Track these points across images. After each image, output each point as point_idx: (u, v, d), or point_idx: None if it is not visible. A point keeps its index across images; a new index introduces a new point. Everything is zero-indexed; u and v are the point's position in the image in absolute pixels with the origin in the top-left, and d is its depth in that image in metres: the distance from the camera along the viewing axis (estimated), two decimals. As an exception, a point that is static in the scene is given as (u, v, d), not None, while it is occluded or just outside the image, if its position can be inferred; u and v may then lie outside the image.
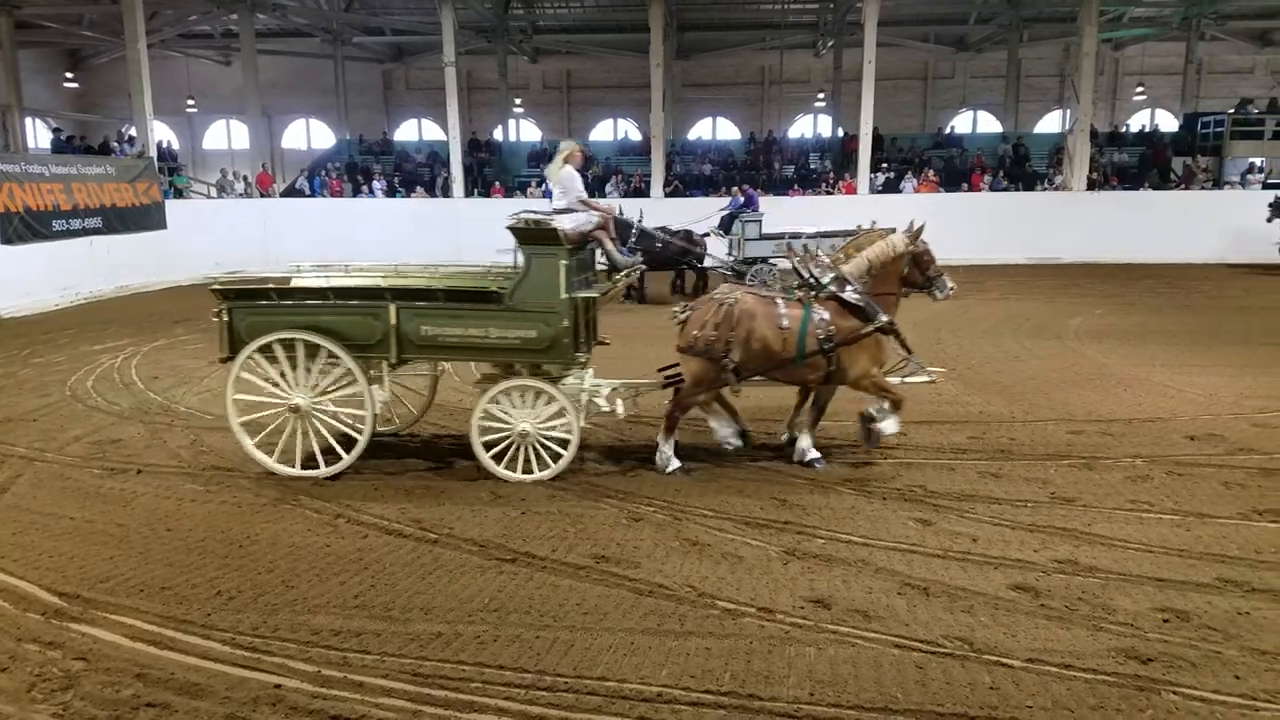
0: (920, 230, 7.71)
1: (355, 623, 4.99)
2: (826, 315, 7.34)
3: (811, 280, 7.60)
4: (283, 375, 7.41)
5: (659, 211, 20.64)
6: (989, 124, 36.20)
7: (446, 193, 26.30)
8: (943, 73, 36.82)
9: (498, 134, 33.98)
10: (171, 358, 12.68)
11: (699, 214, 19.71)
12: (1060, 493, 6.96)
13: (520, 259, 7.44)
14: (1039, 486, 7.12)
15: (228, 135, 38.46)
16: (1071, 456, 7.86)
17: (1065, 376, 10.96)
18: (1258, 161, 27.08)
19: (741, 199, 21.15)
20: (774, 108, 36.80)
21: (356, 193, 27.18)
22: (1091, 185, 25.27)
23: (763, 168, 28.92)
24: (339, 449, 7.39)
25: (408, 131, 38.21)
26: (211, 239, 23.53)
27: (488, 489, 7.15)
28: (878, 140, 27.00)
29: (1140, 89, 33.70)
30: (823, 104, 35.06)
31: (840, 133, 31.15)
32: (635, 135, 35.73)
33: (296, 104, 37.28)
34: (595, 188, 26.67)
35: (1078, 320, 14.92)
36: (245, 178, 27.51)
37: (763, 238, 18.64)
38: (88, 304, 18.93)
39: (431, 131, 37.30)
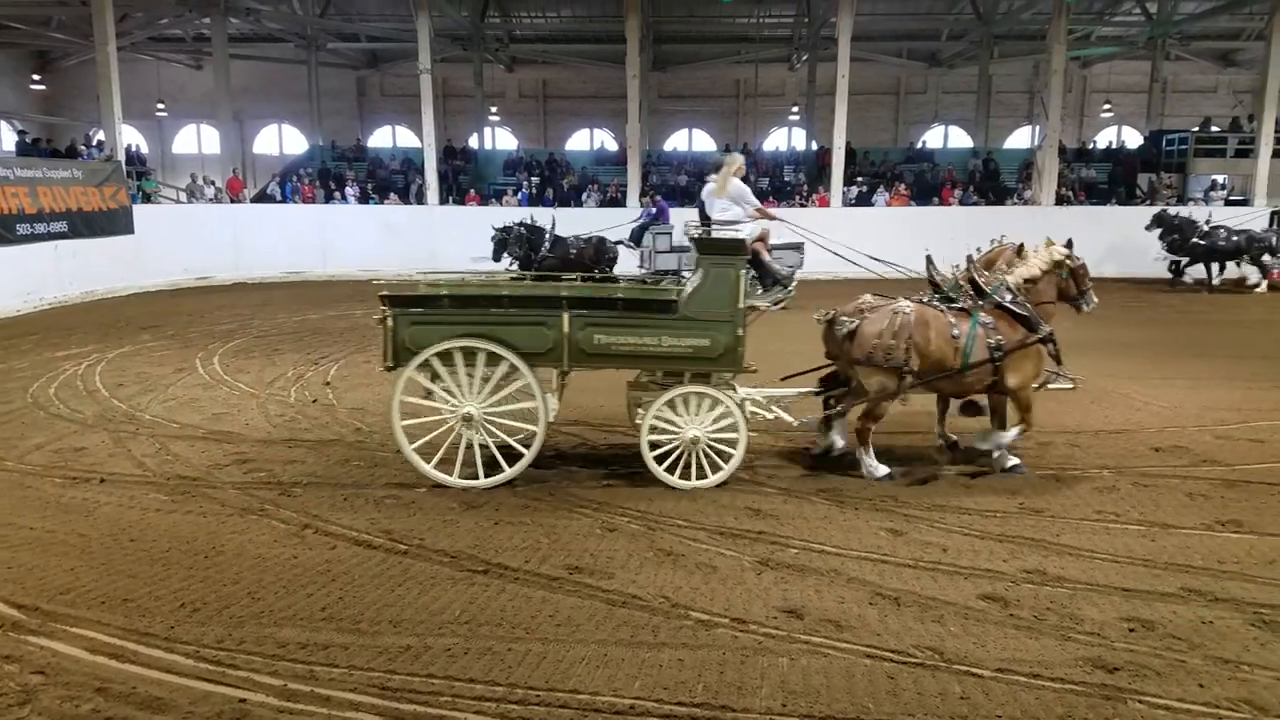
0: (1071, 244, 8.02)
1: (323, 635, 4.92)
2: (993, 324, 7.49)
3: (952, 289, 7.83)
4: (441, 384, 7.37)
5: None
6: (960, 139, 36.54)
7: (421, 200, 26.19)
8: (915, 88, 37.16)
9: (473, 142, 33.90)
10: (137, 365, 12.52)
11: (609, 224, 19.42)
12: (1029, 503, 7.00)
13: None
14: (1008, 497, 7.16)
15: (198, 140, 38.13)
16: (1040, 468, 7.91)
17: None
18: (1220, 178, 27.49)
19: (653, 210, 20.59)
20: (749, 120, 36.98)
21: (329, 199, 27.00)
22: (1060, 200, 25.55)
23: (737, 179, 28.98)
24: (500, 460, 7.36)
25: (382, 138, 38.05)
26: (180, 244, 23.30)
27: (459, 499, 7.11)
28: (851, 154, 27.17)
29: (1107, 106, 34.19)
30: (797, 117, 35.26)
31: (814, 146, 31.35)
32: (611, 145, 35.78)
33: (269, 109, 37.02)
34: (571, 197, 26.73)
35: (1047, 333, 14.97)
36: (213, 183, 27.27)
37: (674, 250, 18.19)
38: (52, 309, 18.66)
39: (406, 139, 37.15)
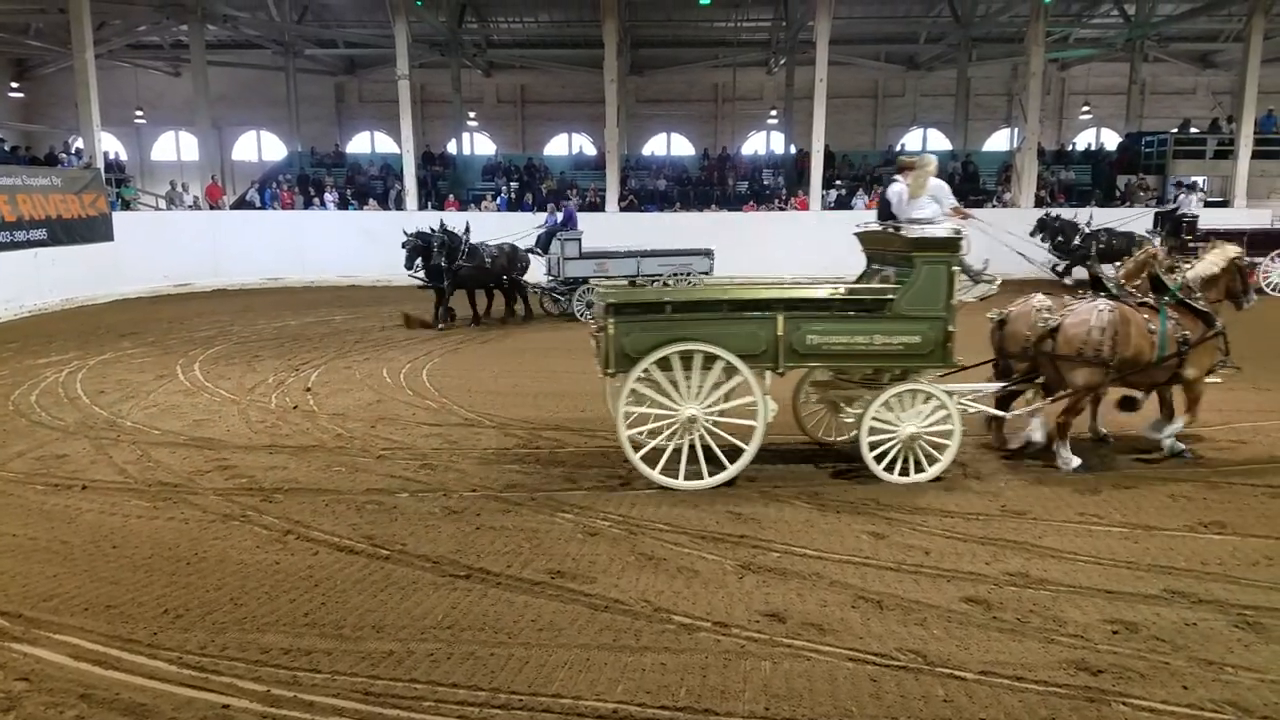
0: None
1: (305, 641, 4.91)
2: (1178, 319, 7.90)
3: (1116, 288, 8.21)
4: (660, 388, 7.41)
5: (609, 227, 20.72)
6: (939, 142, 36.73)
7: (400, 206, 26.13)
8: (893, 91, 37.33)
9: (451, 147, 33.84)
10: (118, 372, 12.44)
11: (517, 230, 19.03)
12: (1011, 506, 7.04)
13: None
14: (990, 499, 7.20)
15: (177, 147, 37.92)
16: (1022, 470, 7.97)
17: (1014, 390, 11.09)
18: (1199, 180, 27.73)
19: (558, 216, 19.77)
20: (727, 124, 37.05)
21: (308, 205, 26.90)
22: (1039, 202, 25.70)
23: (717, 183, 29.10)
24: (724, 459, 7.39)
25: (360, 144, 37.95)
26: (160, 251, 23.20)
27: (440, 504, 7.09)
28: (829, 157, 27.27)
29: (1086, 108, 34.44)
30: (775, 121, 35.38)
31: (793, 149, 31.44)
32: (590, 150, 35.77)
33: (247, 116, 36.85)
34: (550, 201, 26.69)
35: (1026, 335, 15.05)
36: (186, 187, 27.11)
37: (583, 257, 17.69)
38: (32, 317, 18.52)
39: (384, 144, 37.07)
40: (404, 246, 16.11)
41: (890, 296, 7.46)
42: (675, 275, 17.61)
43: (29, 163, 24.07)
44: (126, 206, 24.37)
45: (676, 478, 7.39)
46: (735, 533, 6.47)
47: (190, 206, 26.22)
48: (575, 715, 4.22)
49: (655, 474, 7.40)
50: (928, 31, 33.78)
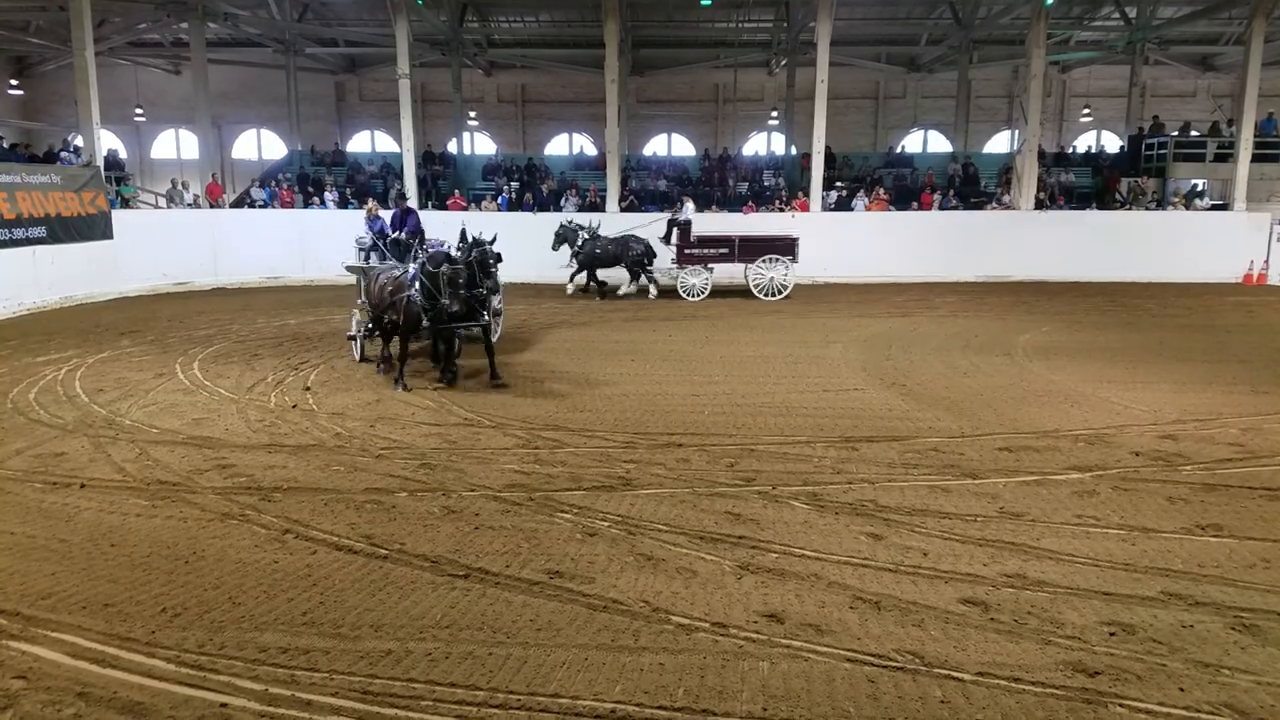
0: None
1: (303, 640, 4.91)
2: None
3: None
4: None
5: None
6: (939, 143, 36.72)
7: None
8: (894, 92, 37.32)
9: (452, 147, 33.82)
10: (117, 370, 12.44)
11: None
12: (1009, 507, 7.05)
13: None
14: (988, 501, 7.21)
15: (177, 145, 37.89)
16: (1020, 472, 7.97)
17: (1014, 393, 11.12)
18: (1199, 184, 27.74)
19: (378, 220, 19.34)
20: (728, 125, 37.04)
21: (308, 204, 26.88)
22: (1039, 205, 25.72)
23: (717, 184, 29.09)
24: None
25: (360, 143, 37.91)
26: (159, 250, 23.16)
27: (439, 504, 7.10)
28: (830, 158, 27.25)
29: (1086, 111, 34.45)
30: (776, 122, 35.36)
31: (794, 150, 31.44)
32: (591, 150, 35.75)
33: (247, 114, 36.83)
34: (550, 202, 26.71)
35: (1026, 337, 15.15)
36: (186, 185, 27.09)
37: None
38: (31, 315, 18.50)
39: (385, 143, 37.04)
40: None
41: None
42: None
43: (28, 160, 24.06)
44: (126, 205, 24.33)
45: None
46: (734, 533, 6.48)
47: (190, 205, 26.20)
48: (573, 715, 4.23)
49: None
50: (929, 33, 33.79)
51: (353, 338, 13.26)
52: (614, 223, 22.04)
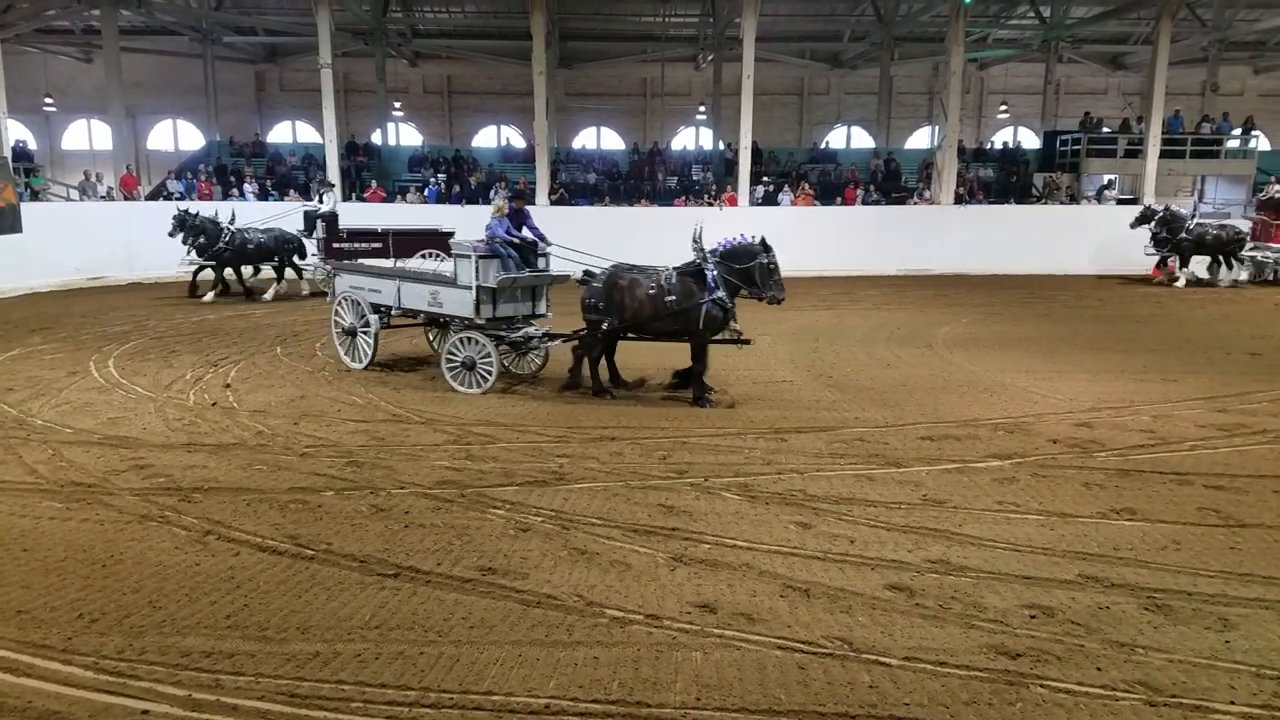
0: None
1: (228, 644, 4.80)
2: None
3: None
4: None
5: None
6: (862, 139, 37.27)
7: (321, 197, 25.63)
8: (818, 89, 37.79)
9: (376, 138, 33.35)
10: (28, 368, 12.01)
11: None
12: (932, 495, 7.20)
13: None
14: (912, 489, 7.35)
15: (89, 135, 36.75)
16: (942, 460, 8.14)
17: (935, 383, 11.35)
18: (1111, 178, 28.63)
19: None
20: (656, 119, 37.14)
21: (227, 196, 26.27)
22: (959, 199, 26.29)
23: (647, 178, 29.16)
24: None
25: (282, 134, 37.16)
26: (72, 243, 22.40)
27: (368, 502, 7.00)
28: (756, 153, 27.50)
29: (1004, 107, 35.28)
30: (704, 117, 35.56)
31: (721, 145, 31.66)
32: (519, 142, 35.58)
33: (163, 104, 35.85)
34: (478, 194, 26.48)
35: (946, 329, 15.48)
36: (100, 177, 26.28)
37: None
38: (-68, 312, 17.79)
39: (307, 134, 36.35)
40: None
41: None
42: None
43: (-70, 151, 23.13)
44: (35, 197, 23.51)
45: None
46: (667, 525, 6.51)
47: (104, 197, 25.41)
48: (507, 712, 4.20)
49: None
50: (852, 30, 34.31)
51: (354, 335, 11.95)
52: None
